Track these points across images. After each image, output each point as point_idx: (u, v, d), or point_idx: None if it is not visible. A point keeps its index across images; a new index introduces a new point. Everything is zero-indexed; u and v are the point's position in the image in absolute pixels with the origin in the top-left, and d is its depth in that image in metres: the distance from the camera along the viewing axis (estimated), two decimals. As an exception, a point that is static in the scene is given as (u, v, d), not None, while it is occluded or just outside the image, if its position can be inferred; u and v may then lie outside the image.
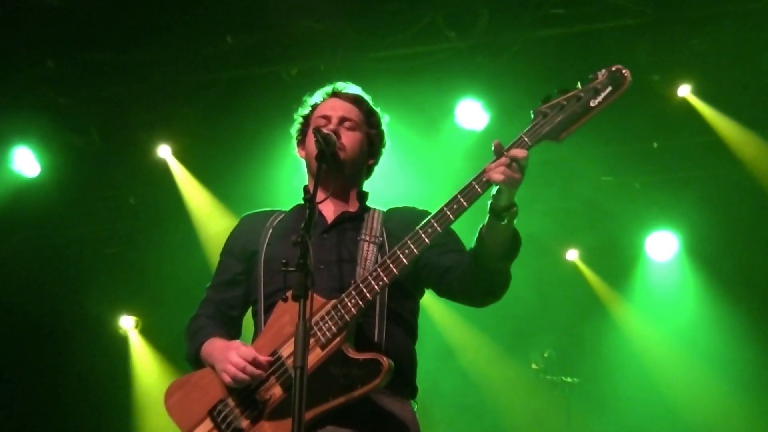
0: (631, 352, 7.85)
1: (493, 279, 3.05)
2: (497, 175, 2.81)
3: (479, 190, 2.86)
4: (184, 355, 3.32)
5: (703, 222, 7.51)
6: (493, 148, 2.86)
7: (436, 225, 2.90)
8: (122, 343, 8.31)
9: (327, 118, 3.32)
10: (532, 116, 2.89)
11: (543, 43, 6.56)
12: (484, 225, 2.96)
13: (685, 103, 6.87)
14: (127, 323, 8.31)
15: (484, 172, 2.85)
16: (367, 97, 3.45)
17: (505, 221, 2.89)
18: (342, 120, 3.31)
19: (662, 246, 7.91)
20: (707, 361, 7.52)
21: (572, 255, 8.20)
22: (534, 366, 7.37)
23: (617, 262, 8.17)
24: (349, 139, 3.29)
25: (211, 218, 7.47)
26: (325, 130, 3.20)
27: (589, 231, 7.94)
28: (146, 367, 8.15)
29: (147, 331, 8.31)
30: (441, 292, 3.23)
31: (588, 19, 6.45)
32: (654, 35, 6.43)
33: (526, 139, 2.84)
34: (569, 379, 7.23)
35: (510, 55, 6.56)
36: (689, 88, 6.81)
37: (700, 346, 7.58)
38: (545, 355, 7.32)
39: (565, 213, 7.77)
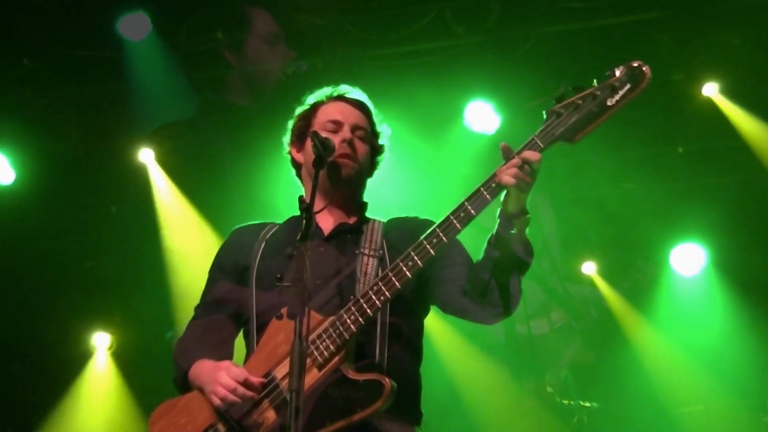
0: (655, 375, 7.78)
1: (502, 294, 3.03)
2: (508, 178, 2.82)
3: (488, 196, 2.88)
4: (170, 380, 3.32)
5: (734, 233, 7.47)
6: (501, 150, 2.88)
7: (441, 235, 2.90)
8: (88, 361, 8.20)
9: (337, 123, 3.32)
10: (545, 116, 2.91)
11: (559, 38, 6.57)
12: (492, 235, 2.97)
13: (711, 104, 6.82)
14: (102, 342, 8.22)
15: (493, 176, 2.86)
16: (371, 105, 3.47)
17: (515, 230, 2.90)
18: (355, 128, 3.32)
19: (689, 259, 7.85)
20: (737, 385, 7.46)
21: (589, 268, 8.13)
22: (549, 389, 7.31)
23: (639, 277, 8.10)
24: (362, 150, 3.33)
25: (196, 231, 7.42)
26: (324, 134, 3.18)
27: (609, 243, 7.88)
28: (108, 392, 8.00)
29: (120, 353, 8.20)
30: (446, 308, 3.23)
31: (607, 12, 6.49)
32: (678, 29, 6.41)
33: (538, 141, 2.83)
34: (587, 404, 7.17)
35: (523, 52, 6.56)
36: (717, 87, 6.76)
37: (729, 369, 7.53)
38: (561, 377, 7.27)
39: (581, 223, 7.72)
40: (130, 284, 7.74)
